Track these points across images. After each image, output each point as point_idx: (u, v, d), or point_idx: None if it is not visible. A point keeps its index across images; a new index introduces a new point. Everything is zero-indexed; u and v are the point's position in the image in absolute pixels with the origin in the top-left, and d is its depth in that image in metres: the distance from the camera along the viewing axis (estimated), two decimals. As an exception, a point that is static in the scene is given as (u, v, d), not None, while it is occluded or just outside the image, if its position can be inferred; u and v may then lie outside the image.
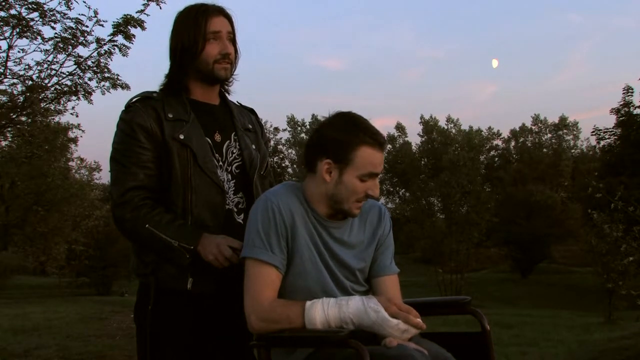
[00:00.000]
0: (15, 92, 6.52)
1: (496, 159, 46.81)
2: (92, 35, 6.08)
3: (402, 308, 1.56)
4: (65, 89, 6.53)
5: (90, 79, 6.50)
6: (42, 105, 6.67)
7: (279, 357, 1.67)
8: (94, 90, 6.62)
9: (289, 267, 1.69)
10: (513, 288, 27.22)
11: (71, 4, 5.88)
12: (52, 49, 6.11)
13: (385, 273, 1.80)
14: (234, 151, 1.96)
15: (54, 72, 6.27)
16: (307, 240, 1.70)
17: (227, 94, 2.06)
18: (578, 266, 28.73)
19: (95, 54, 6.24)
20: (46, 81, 6.31)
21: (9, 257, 22.88)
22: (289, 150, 47.09)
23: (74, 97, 6.71)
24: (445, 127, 42.09)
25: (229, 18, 1.94)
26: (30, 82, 6.26)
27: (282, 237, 1.66)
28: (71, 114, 7.60)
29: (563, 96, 72.21)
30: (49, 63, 6.21)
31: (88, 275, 22.60)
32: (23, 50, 6.12)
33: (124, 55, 6.24)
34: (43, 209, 18.19)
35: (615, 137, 25.13)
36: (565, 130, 46.97)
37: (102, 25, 6.04)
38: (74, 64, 6.29)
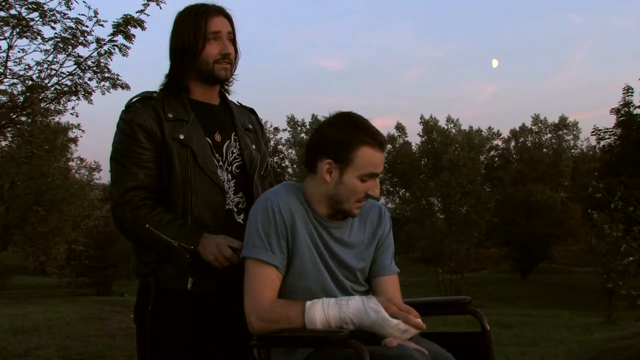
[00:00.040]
0: (15, 92, 6.53)
1: (496, 159, 46.82)
2: (92, 35, 6.09)
3: (402, 308, 1.56)
4: (65, 89, 6.54)
5: (90, 79, 6.52)
6: (42, 105, 6.67)
7: (279, 357, 1.67)
8: (94, 90, 6.64)
9: (289, 267, 1.69)
10: (513, 288, 27.22)
11: (71, 4, 5.89)
12: (52, 49, 6.12)
13: (385, 273, 1.80)
14: (234, 151, 1.96)
15: (54, 72, 6.29)
16: (307, 241, 1.70)
17: (227, 94, 2.06)
18: (578, 266, 28.73)
19: (95, 54, 6.25)
20: (46, 81, 6.32)
21: (9, 257, 22.88)
22: (289, 150, 47.14)
23: (74, 97, 6.71)
24: (445, 127, 42.14)
25: (229, 18, 1.94)
26: (30, 82, 6.27)
27: (282, 237, 1.66)
28: (71, 114, 7.61)
29: (563, 96, 72.31)
30: (49, 63, 6.22)
31: (88, 275, 22.60)
32: (23, 50, 6.13)
33: (124, 55, 6.25)
34: (43, 209, 18.20)
35: (615, 137, 25.14)
36: (565, 130, 46.99)
37: (102, 25, 6.05)
38: (74, 64, 6.30)
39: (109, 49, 6.22)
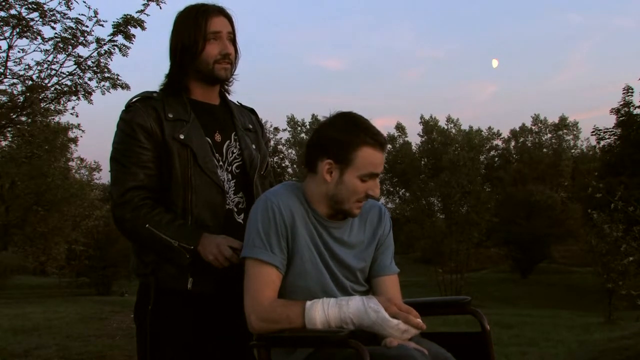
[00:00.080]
0: (15, 92, 6.53)
1: (496, 159, 46.81)
2: (92, 35, 6.10)
3: (402, 308, 1.56)
4: (65, 89, 6.54)
5: (90, 79, 6.52)
6: (42, 105, 6.67)
7: (279, 357, 1.67)
8: (94, 90, 6.64)
9: (289, 267, 1.69)
10: (513, 288, 27.20)
11: (71, 4, 5.89)
12: (52, 49, 6.12)
13: (385, 273, 1.81)
14: (234, 151, 1.96)
15: (54, 72, 6.29)
16: (307, 241, 1.70)
17: (227, 94, 2.06)
18: (578, 266, 28.72)
19: (95, 54, 6.26)
20: (46, 81, 6.32)
21: (9, 257, 22.87)
22: (289, 150, 47.13)
23: (74, 97, 6.72)
24: (445, 127, 42.14)
25: (229, 18, 1.94)
26: (30, 82, 6.27)
27: (282, 237, 1.66)
28: (71, 114, 7.63)
29: (563, 96, 72.25)
30: (49, 63, 6.23)
31: (88, 275, 22.58)
32: (23, 50, 6.14)
33: (124, 55, 6.25)
34: (43, 209, 18.21)
35: (615, 137, 25.14)
36: (565, 130, 46.97)
37: (102, 25, 6.06)
38: (74, 64, 6.30)
39: (109, 49, 6.22)
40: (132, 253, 1.92)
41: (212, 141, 1.91)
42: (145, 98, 1.88)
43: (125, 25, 6.02)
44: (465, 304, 1.89)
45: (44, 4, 5.87)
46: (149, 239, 1.78)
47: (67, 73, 6.36)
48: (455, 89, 72.90)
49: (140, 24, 6.04)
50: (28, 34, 5.97)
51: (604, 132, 25.48)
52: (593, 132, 25.78)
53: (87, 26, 6.00)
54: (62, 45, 6.10)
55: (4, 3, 5.77)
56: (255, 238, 1.66)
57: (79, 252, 18.99)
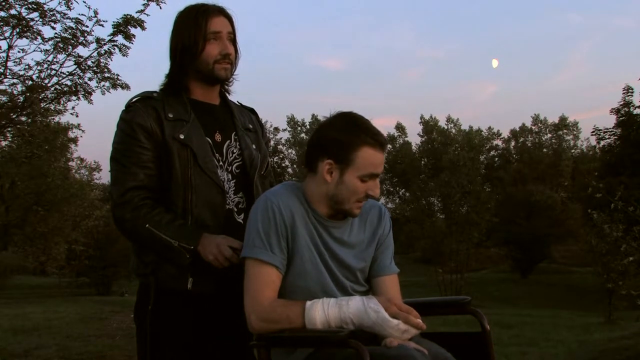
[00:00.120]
0: (15, 92, 6.53)
1: (496, 159, 46.81)
2: (92, 35, 6.10)
3: (402, 308, 1.56)
4: (65, 89, 6.54)
5: (90, 79, 6.52)
6: (42, 105, 6.67)
7: (279, 357, 1.67)
8: (94, 90, 6.64)
9: (289, 267, 1.69)
10: (513, 288, 27.20)
11: (71, 4, 5.89)
12: (52, 49, 6.12)
13: (385, 273, 1.81)
14: (235, 151, 1.96)
15: (54, 72, 6.29)
16: (307, 241, 1.70)
17: (227, 94, 2.06)
18: (578, 266, 28.72)
19: (95, 54, 6.26)
20: (46, 81, 6.32)
21: (9, 257, 22.87)
22: (289, 150, 47.13)
23: (74, 97, 6.72)
24: (445, 127, 42.16)
25: (229, 18, 1.94)
26: (30, 82, 6.27)
27: (282, 237, 1.67)
28: (71, 114, 7.64)
29: (563, 96, 72.24)
30: (49, 63, 6.23)
31: (88, 275, 22.58)
32: (23, 50, 6.14)
33: (124, 55, 6.25)
34: (43, 209, 18.21)
35: (615, 137, 25.13)
36: (565, 130, 46.97)
37: (102, 25, 6.06)
38: (74, 64, 6.31)
39: (109, 49, 6.23)
40: (132, 253, 1.92)
41: (212, 141, 1.91)
42: (145, 98, 1.88)
43: (125, 25, 6.02)
44: (465, 304, 1.89)
45: (44, 4, 5.87)
46: (149, 239, 1.78)
47: (67, 73, 6.37)
48: (455, 89, 72.96)
49: (140, 24, 6.04)
50: (28, 34, 5.97)
51: (604, 132, 25.49)
52: (593, 132, 25.81)
53: (87, 26, 6.02)
54: (62, 45, 6.10)
55: (4, 3, 5.77)
56: (255, 238, 1.66)
57: (79, 252, 18.99)
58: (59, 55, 6.20)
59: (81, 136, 21.18)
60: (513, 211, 30.45)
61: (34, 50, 6.13)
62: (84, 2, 5.90)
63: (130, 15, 5.99)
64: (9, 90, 6.51)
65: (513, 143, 48.46)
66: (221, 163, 1.91)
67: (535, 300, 23.30)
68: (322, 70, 75.10)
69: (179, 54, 1.89)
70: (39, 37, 6.02)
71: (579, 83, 73.02)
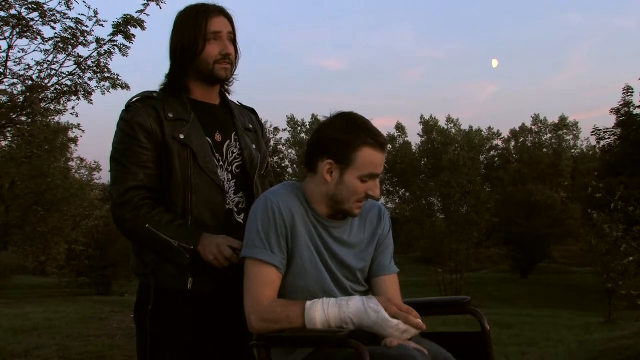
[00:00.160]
0: (15, 92, 6.53)
1: (496, 159, 46.81)
2: (92, 35, 6.10)
3: (402, 308, 1.56)
4: (65, 89, 6.54)
5: (90, 79, 6.52)
6: (42, 105, 6.67)
7: (279, 357, 1.67)
8: (94, 90, 6.64)
9: (289, 267, 1.69)
10: (513, 288, 27.20)
11: (71, 4, 5.89)
12: (52, 49, 6.12)
13: (385, 273, 1.81)
14: (235, 151, 1.96)
15: (54, 72, 6.29)
16: (307, 240, 1.70)
17: (227, 94, 2.06)
18: (578, 266, 28.72)
19: (95, 54, 6.26)
20: (46, 81, 6.32)
21: (9, 257, 22.88)
22: (289, 150, 47.13)
23: (74, 97, 6.72)
24: (445, 127, 42.16)
25: (229, 18, 1.94)
26: (30, 82, 6.27)
27: (282, 237, 1.67)
28: (71, 114, 7.64)
29: (563, 96, 72.24)
30: (49, 63, 6.23)
31: (88, 275, 22.58)
32: (23, 50, 6.14)
33: (124, 55, 6.25)
34: (43, 209, 18.21)
35: (615, 137, 25.13)
36: (565, 130, 46.97)
37: (102, 25, 6.06)
38: (74, 64, 6.31)
39: (109, 49, 6.22)
40: (132, 253, 1.92)
41: (212, 141, 1.91)
42: (145, 98, 1.88)
43: (125, 25, 6.02)
44: (465, 304, 1.89)
45: (44, 4, 5.87)
46: (149, 239, 1.78)
47: (67, 73, 6.37)
48: (455, 89, 72.96)
49: (140, 24, 6.04)
50: (28, 34, 5.97)
51: (604, 132, 25.48)
52: (593, 132, 25.81)
53: (87, 26, 6.01)
54: (62, 45, 6.10)
55: (4, 3, 5.77)
56: (255, 238, 1.66)
57: (79, 252, 19.00)
58: (59, 55, 6.20)
59: (81, 136, 21.22)
60: (513, 211, 30.45)
61: (34, 50, 6.14)
62: (84, 2, 5.90)
63: (130, 15, 5.99)
64: (9, 90, 6.52)
65: (513, 143, 48.48)
66: (221, 163, 1.91)
67: (535, 300, 23.30)
68: (322, 70, 75.17)
69: (179, 54, 1.89)
70: (39, 37, 6.03)
71: (579, 83, 73.10)
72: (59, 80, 6.41)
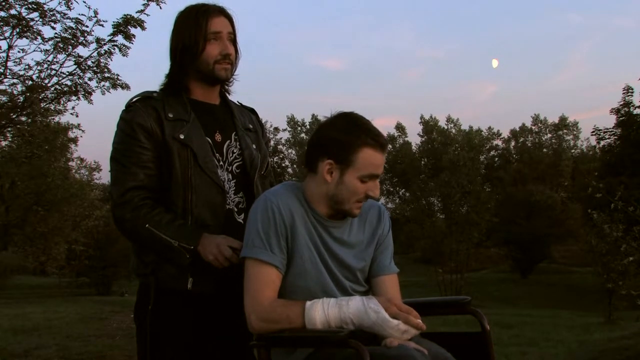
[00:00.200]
0: (15, 92, 6.53)
1: (496, 159, 46.81)
2: (92, 35, 6.10)
3: (402, 309, 1.56)
4: (65, 89, 6.54)
5: (90, 79, 6.53)
6: (42, 105, 6.67)
7: (279, 357, 1.67)
8: (94, 90, 6.64)
9: (288, 267, 1.69)
10: (513, 288, 27.20)
11: (71, 4, 5.89)
12: (52, 49, 6.12)
13: (385, 272, 1.81)
14: (235, 151, 1.96)
15: (54, 72, 6.29)
16: (306, 240, 1.70)
17: (227, 94, 2.06)
18: (578, 266, 28.72)
19: (95, 54, 6.26)
20: (46, 81, 6.32)
21: (9, 257, 22.87)
22: (289, 150, 47.13)
23: (74, 97, 6.72)
24: (445, 127, 42.15)
25: (229, 18, 1.94)
26: (30, 82, 6.27)
27: (281, 237, 1.67)
28: (71, 114, 7.64)
29: (563, 96, 72.25)
30: (49, 63, 6.23)
31: (88, 275, 22.58)
32: (23, 50, 6.14)
33: (124, 55, 6.25)
34: (43, 209, 18.21)
35: (615, 137, 25.13)
36: (565, 130, 46.96)
37: (102, 25, 6.06)
38: (74, 64, 6.31)
39: (109, 49, 6.23)
40: (132, 253, 1.92)
41: (212, 141, 1.91)
42: (145, 98, 1.88)
43: (125, 25, 6.02)
44: (465, 304, 1.89)
45: (44, 4, 5.87)
46: (149, 239, 1.78)
47: (67, 73, 6.37)
48: (455, 89, 72.97)
49: (140, 24, 6.04)
50: (28, 34, 5.97)
51: (604, 132, 25.48)
52: (593, 132, 25.81)
53: (87, 26, 6.02)
54: (62, 45, 6.10)
55: (4, 3, 5.77)
56: (255, 238, 1.66)
57: (79, 252, 19.00)
58: (59, 55, 6.21)
59: (81, 136, 21.23)
60: (513, 211, 30.45)
61: (34, 50, 6.14)
62: (84, 2, 5.91)
63: (130, 15, 6.00)
64: (9, 90, 6.52)
65: (513, 143, 48.48)
66: (221, 163, 1.91)
67: (535, 300, 23.30)
68: (322, 70, 75.17)
69: (179, 54, 1.89)
70: (39, 37, 6.03)
71: (579, 83, 73.10)
72: (59, 80, 6.42)
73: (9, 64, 6.15)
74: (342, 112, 1.71)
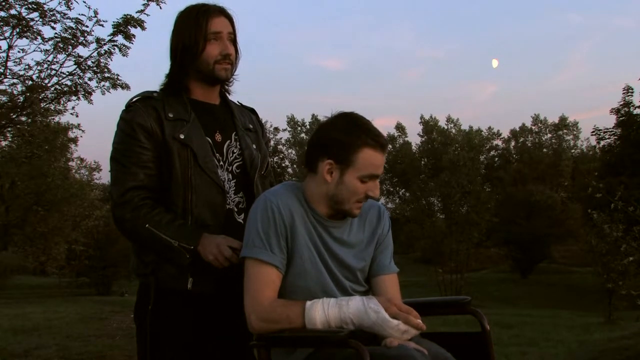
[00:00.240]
0: (15, 92, 6.53)
1: (496, 159, 46.81)
2: (92, 35, 6.10)
3: (402, 309, 1.56)
4: (65, 89, 6.54)
5: (90, 79, 6.52)
6: (42, 105, 6.67)
7: (279, 357, 1.67)
8: (94, 90, 6.64)
9: (288, 267, 1.69)
10: (513, 288, 27.20)
11: (71, 4, 5.89)
12: (52, 49, 6.12)
13: (385, 272, 1.81)
14: (235, 151, 1.96)
15: (54, 72, 6.29)
16: (306, 240, 1.70)
17: (227, 94, 2.06)
18: (578, 266, 28.72)
19: (95, 54, 6.26)
20: (46, 81, 6.32)
21: (9, 257, 22.87)
22: (289, 150, 47.13)
23: (74, 97, 6.72)
24: (445, 127, 42.16)
25: (229, 18, 1.94)
26: (30, 82, 6.27)
27: (281, 237, 1.67)
28: (71, 114, 7.64)
29: (563, 96, 72.23)
30: (49, 63, 6.23)
31: (88, 275, 22.57)
32: (23, 50, 6.14)
33: (124, 55, 6.25)
34: (43, 209, 18.21)
35: (615, 137, 25.13)
36: (565, 130, 46.96)
37: (102, 25, 6.06)
38: (74, 64, 6.30)
39: (109, 49, 6.22)
40: (132, 253, 1.92)
41: (212, 141, 1.91)
42: (145, 98, 1.88)
43: (125, 25, 6.02)
44: (465, 304, 1.89)
45: (44, 4, 5.87)
46: (149, 239, 1.78)
47: (67, 73, 6.37)
48: (455, 89, 72.96)
49: (140, 24, 6.04)
50: (28, 34, 5.97)
51: (604, 132, 25.49)
52: (593, 132, 25.81)
53: (87, 26, 6.02)
54: (62, 45, 6.10)
55: (4, 3, 5.77)
56: (255, 238, 1.66)
57: (79, 252, 19.00)
58: (59, 55, 6.20)
59: (81, 136, 21.24)
60: (513, 211, 30.45)
61: (34, 50, 6.14)
62: (84, 2, 5.90)
63: (130, 15, 6.00)
64: (9, 90, 6.52)
65: (513, 143, 48.48)
66: (221, 163, 1.91)
67: (535, 300, 23.30)
68: (322, 70, 75.16)
69: (179, 54, 1.89)
70: (39, 37, 6.03)
71: (579, 83, 73.09)
72: (59, 80, 6.41)
73: (9, 64, 6.16)
74: (342, 112, 1.71)
